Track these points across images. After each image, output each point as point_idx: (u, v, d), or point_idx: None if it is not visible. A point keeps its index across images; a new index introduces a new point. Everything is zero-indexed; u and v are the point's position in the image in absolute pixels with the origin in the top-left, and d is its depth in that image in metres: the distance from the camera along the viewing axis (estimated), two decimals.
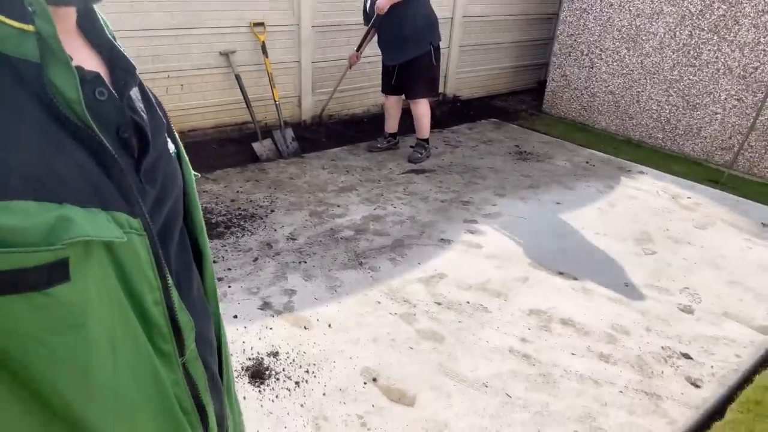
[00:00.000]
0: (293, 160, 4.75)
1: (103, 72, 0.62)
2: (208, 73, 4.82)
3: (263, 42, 4.98)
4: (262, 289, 2.94)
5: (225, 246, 3.32)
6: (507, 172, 4.78)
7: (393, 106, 5.05)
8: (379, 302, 2.91)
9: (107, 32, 0.65)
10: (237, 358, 2.44)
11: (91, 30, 0.63)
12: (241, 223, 3.61)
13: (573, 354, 2.64)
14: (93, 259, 0.52)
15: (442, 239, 3.59)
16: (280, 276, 3.07)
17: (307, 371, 2.42)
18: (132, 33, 4.26)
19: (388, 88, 4.95)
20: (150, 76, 4.48)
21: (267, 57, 5.00)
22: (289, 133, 4.99)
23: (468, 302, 2.96)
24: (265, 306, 2.81)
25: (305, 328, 2.68)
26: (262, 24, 4.98)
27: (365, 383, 2.38)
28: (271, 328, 2.65)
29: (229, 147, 4.92)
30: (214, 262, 3.14)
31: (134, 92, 0.65)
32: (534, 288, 3.14)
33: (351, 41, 5.42)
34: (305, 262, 3.22)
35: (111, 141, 0.57)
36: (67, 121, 0.52)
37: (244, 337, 2.58)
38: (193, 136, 4.93)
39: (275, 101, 5.03)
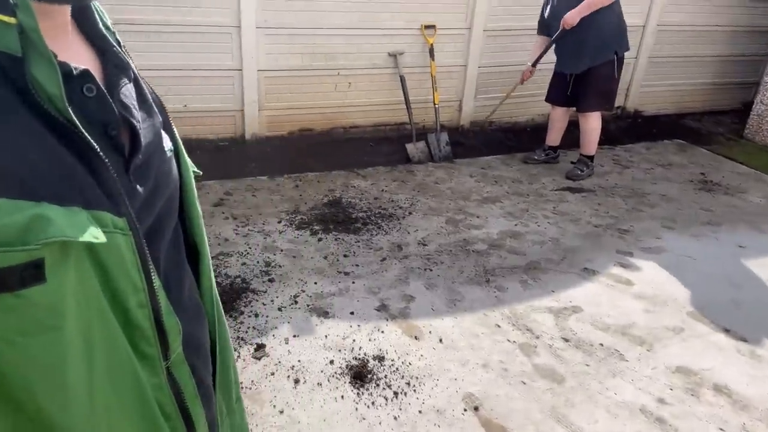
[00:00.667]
0: (443, 165, 4.69)
1: (96, 67, 0.61)
2: (375, 72, 4.97)
3: (432, 45, 4.99)
4: (382, 290, 2.93)
5: (358, 242, 3.38)
6: (683, 203, 4.17)
7: (559, 117, 4.72)
8: (498, 326, 2.72)
9: (101, 26, 0.63)
10: (344, 355, 2.46)
11: (86, 24, 0.62)
12: (379, 221, 3.65)
13: (721, 429, 2.19)
14: (71, 260, 0.50)
15: (585, 268, 3.25)
16: (402, 280, 3.04)
17: (408, 383, 2.34)
18: (309, 31, 4.55)
19: (557, 98, 4.63)
20: (321, 73, 4.75)
21: (433, 60, 5.00)
22: (444, 137, 4.93)
23: (601, 344, 2.63)
24: (382, 308, 2.80)
25: (416, 338, 2.61)
26: (433, 26, 4.99)
27: (465, 410, 2.23)
28: (382, 332, 2.63)
29: (384, 146, 5.03)
30: (345, 256, 3.22)
31: (127, 89, 0.63)
32: (688, 342, 2.68)
33: (522, 46, 5.17)
34: (431, 270, 3.14)
35: (98, 138, 0.55)
36: (49, 117, 0.50)
37: (355, 336, 2.59)
38: (353, 133, 5.13)
39: (435, 104, 5.01)
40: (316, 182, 4.16)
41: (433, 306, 2.84)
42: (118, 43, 0.65)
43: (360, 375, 2.37)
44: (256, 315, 2.67)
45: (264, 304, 2.75)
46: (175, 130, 0.74)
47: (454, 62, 5.24)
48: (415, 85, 5.04)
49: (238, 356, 2.40)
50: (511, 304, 2.89)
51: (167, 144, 0.70)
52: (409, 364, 2.45)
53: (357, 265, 3.14)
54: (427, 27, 4.98)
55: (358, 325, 2.66)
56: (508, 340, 2.62)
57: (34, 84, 0.49)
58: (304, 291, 2.87)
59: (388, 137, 5.19)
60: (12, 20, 0.48)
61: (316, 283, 2.95)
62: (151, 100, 0.69)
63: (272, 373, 2.33)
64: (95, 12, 0.63)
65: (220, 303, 0.86)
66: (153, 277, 0.61)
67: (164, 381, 0.64)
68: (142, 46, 4.09)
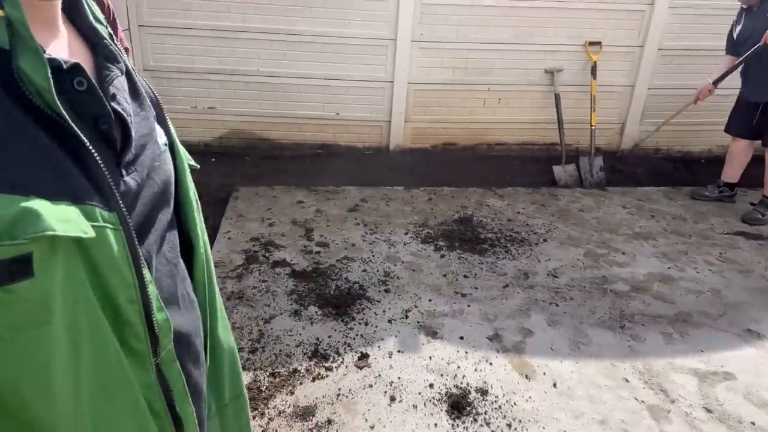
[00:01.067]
0: (592, 192, 4.31)
1: (88, 61, 0.60)
2: (528, 89, 4.76)
3: (595, 62, 4.64)
4: (499, 319, 2.76)
5: (482, 264, 3.23)
6: None
7: (741, 151, 4.08)
8: (626, 380, 2.39)
9: (92, 19, 0.62)
10: (445, 381, 2.35)
11: (77, 17, 0.61)
12: (508, 244, 3.46)
13: None
14: (59, 255, 0.50)
15: (749, 330, 2.74)
16: (523, 311, 2.82)
17: (510, 425, 2.16)
18: (463, 45, 4.50)
19: (740, 129, 4.02)
20: (471, 88, 4.67)
21: (595, 78, 4.64)
22: (598, 161, 4.54)
23: (753, 423, 2.18)
24: (495, 338, 2.62)
25: (527, 377, 2.40)
26: (598, 43, 4.64)
27: None
28: (491, 363, 2.46)
29: (530, 166, 4.78)
30: (465, 276, 3.09)
31: (119, 81, 0.62)
32: None
33: (702, 68, 4.57)
34: (557, 305, 2.88)
35: (88, 132, 0.55)
36: (38, 111, 0.50)
37: (461, 362, 2.46)
38: (498, 150, 4.96)
39: (591, 126, 4.65)
40: (450, 197, 4.09)
41: (552, 345, 2.59)
42: (110, 36, 0.65)
43: (458, 405, 2.24)
44: (366, 323, 2.67)
45: (376, 314, 2.74)
46: (169, 123, 0.73)
47: (619, 82, 4.82)
48: (570, 105, 4.72)
49: (341, 362, 2.41)
50: (647, 357, 2.53)
51: (161, 138, 0.69)
52: (514, 404, 2.26)
53: (476, 288, 3.00)
54: (592, 43, 4.64)
55: (466, 352, 2.52)
56: (636, 399, 2.29)
57: (22, 77, 0.49)
58: (417, 306, 2.81)
59: (535, 157, 4.93)
60: (0, 13, 0.48)
61: (430, 300, 2.87)
62: (145, 94, 0.68)
63: (370, 386, 2.31)
64: (86, 5, 0.62)
65: (219, 299, 0.82)
66: (144, 272, 0.59)
67: (154, 378, 0.63)
68: (300, 56, 4.38)
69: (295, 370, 2.35)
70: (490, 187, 4.30)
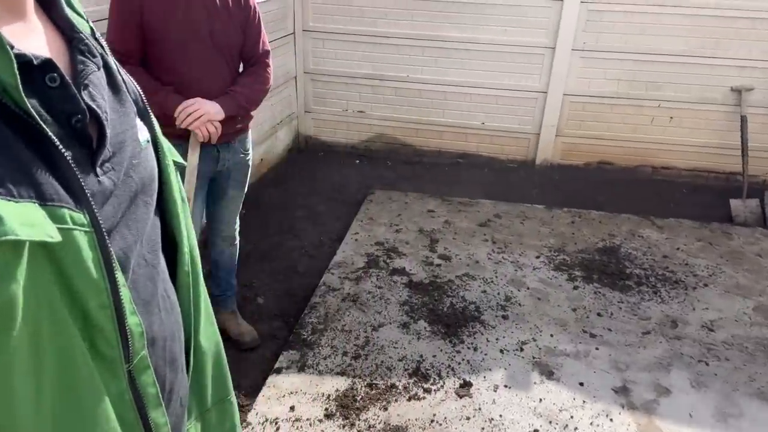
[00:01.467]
0: None
1: (62, 55, 0.57)
2: (708, 109, 4.14)
3: None
4: (630, 370, 2.40)
5: (621, 302, 2.85)
6: None
7: None
8: None
9: (67, 11, 0.59)
10: (552, 430, 2.10)
11: (52, 9, 0.58)
12: (658, 285, 3.02)
13: None
14: (23, 259, 0.48)
15: None
16: (663, 365, 2.43)
17: None
18: (632, 56, 4.06)
19: None
20: (638, 103, 4.20)
21: None
22: None
23: None
24: (623, 390, 2.29)
25: None
26: None
27: None
28: (611, 419, 2.15)
29: (700, 196, 4.15)
30: (599, 314, 2.75)
31: (95, 76, 0.59)
32: None
33: None
34: (707, 364, 2.43)
35: (60, 130, 0.52)
36: (4, 108, 0.48)
37: (575, 412, 2.18)
38: (663, 175, 4.39)
39: None
40: (597, 222, 3.70)
41: (693, 411, 2.18)
42: (92, 30, 0.61)
43: None
44: (476, 349, 2.50)
45: (487, 341, 2.55)
46: (153, 118, 0.69)
47: None
48: (759, 129, 4.02)
49: (442, 386, 2.28)
50: None
51: (143, 134, 0.65)
52: None
53: (609, 330, 2.65)
54: None
55: (584, 401, 2.23)
56: None
57: None
58: (535, 340, 2.57)
59: (708, 186, 4.27)
60: None
61: (552, 335, 2.60)
62: (125, 89, 0.65)
63: (468, 418, 2.14)
64: None
65: (205, 298, 0.78)
66: (117, 276, 0.57)
67: (125, 386, 0.61)
68: (450, 63, 4.29)
69: (393, 386, 2.27)
70: (648, 215, 3.81)
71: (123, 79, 0.66)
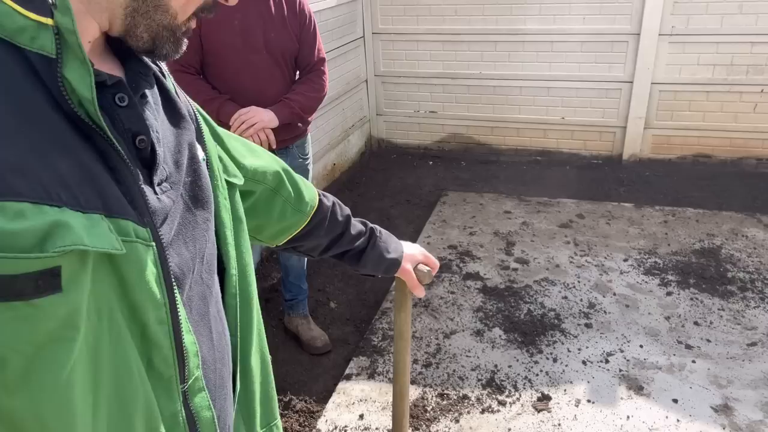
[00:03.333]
0: None
1: (119, 73, 0.58)
2: None
3: None
4: (733, 386, 2.15)
5: (722, 310, 2.57)
6: None
7: None
8: None
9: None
10: None
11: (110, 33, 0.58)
12: (765, 290, 2.69)
13: None
14: (88, 269, 0.49)
15: None
16: None
17: None
18: (730, 38, 3.68)
19: None
20: (737, 89, 3.81)
21: None
22: None
23: None
24: (724, 410, 2.05)
25: None
26: None
27: None
28: None
29: None
30: (696, 323, 2.50)
31: (150, 95, 0.60)
32: None
33: None
34: None
35: (126, 147, 0.54)
36: (78, 120, 0.50)
37: (666, 430, 1.97)
38: None
39: None
40: (693, 221, 3.38)
41: None
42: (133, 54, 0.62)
43: None
44: (555, 360, 2.34)
45: (569, 351, 2.39)
46: (206, 139, 0.70)
47: None
48: None
49: (518, 399, 2.15)
50: None
51: (200, 154, 0.66)
52: None
53: (708, 341, 2.40)
54: None
55: (678, 420, 2.02)
56: None
57: (66, 85, 0.49)
58: (622, 351, 2.37)
59: None
60: (49, 21, 0.47)
61: (642, 346, 2.39)
62: (183, 109, 0.65)
63: None
64: None
65: (259, 321, 0.77)
66: (175, 292, 0.58)
67: (180, 408, 0.60)
68: (525, 56, 4.10)
69: (465, 396, 2.17)
70: (754, 213, 3.43)
71: (179, 97, 0.67)
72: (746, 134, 3.92)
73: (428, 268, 1.12)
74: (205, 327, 0.65)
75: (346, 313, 2.78)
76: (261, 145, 2.00)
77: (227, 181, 0.74)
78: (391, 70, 4.49)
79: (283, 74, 2.07)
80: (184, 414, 0.60)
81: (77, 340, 0.49)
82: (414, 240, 3.33)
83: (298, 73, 2.16)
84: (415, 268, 1.11)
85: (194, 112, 0.70)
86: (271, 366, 0.83)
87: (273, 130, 2.00)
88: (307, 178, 2.33)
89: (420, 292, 1.12)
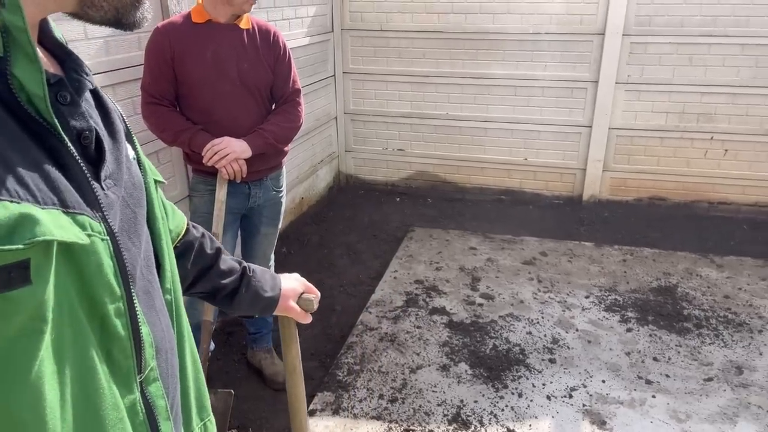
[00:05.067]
0: None
1: (59, 74, 0.58)
2: (765, 141, 3.92)
3: None
4: (692, 420, 2.19)
5: (680, 346, 2.65)
6: None
7: None
8: None
9: (57, 34, 0.61)
10: None
11: (44, 35, 0.59)
12: (720, 327, 2.79)
13: None
14: (51, 262, 0.49)
15: None
16: (728, 416, 2.21)
17: None
18: (682, 87, 3.91)
19: None
20: (689, 136, 4.03)
21: None
22: None
23: None
24: None
25: None
26: None
27: None
28: None
29: (763, 233, 3.88)
30: (655, 359, 2.55)
31: (89, 97, 0.61)
32: None
33: None
34: None
35: (73, 145, 0.54)
36: (29, 119, 0.50)
37: None
38: (721, 210, 4.15)
39: None
40: (651, 261, 3.50)
41: None
42: (70, 53, 0.63)
43: None
44: (520, 395, 2.35)
45: (533, 386, 2.40)
46: (135, 138, 0.71)
47: None
48: None
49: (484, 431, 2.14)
50: None
51: (130, 152, 0.68)
52: None
53: (667, 376, 2.45)
54: None
55: None
56: None
57: (15, 84, 0.49)
58: (585, 386, 2.39)
59: None
60: None
61: (604, 381, 2.42)
62: (112, 110, 0.66)
63: None
64: (50, 23, 0.61)
65: (186, 319, 0.77)
66: (131, 284, 0.59)
67: (138, 397, 0.61)
68: (490, 99, 4.26)
69: None
70: (707, 253, 3.58)
71: (108, 99, 0.68)
72: (698, 179, 4.12)
73: (313, 296, 1.10)
74: (156, 318, 0.66)
75: (310, 348, 2.73)
76: (233, 176, 1.99)
77: (154, 180, 0.75)
78: (361, 108, 4.58)
79: (258, 105, 2.08)
80: (141, 403, 0.61)
81: (45, 332, 0.49)
82: (381, 274, 3.34)
83: (273, 104, 2.18)
84: (299, 299, 1.09)
85: (118, 109, 0.71)
86: (200, 365, 0.84)
87: (247, 161, 2.00)
88: (281, 211, 2.33)
89: (307, 320, 1.10)
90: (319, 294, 1.13)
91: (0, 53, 0.48)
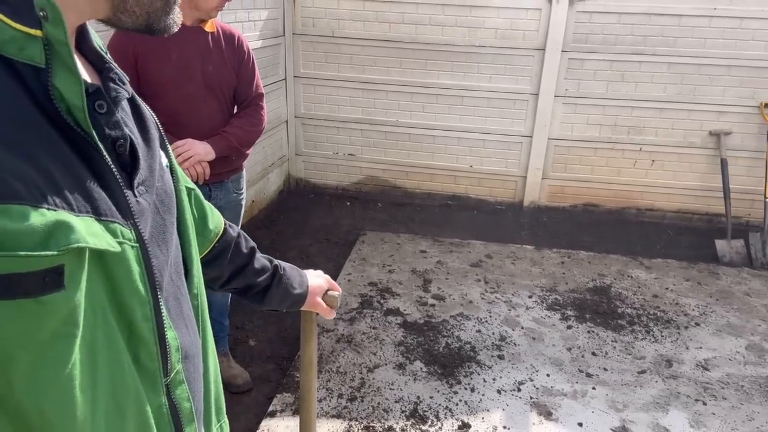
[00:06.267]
0: (764, 274, 3.67)
1: (97, 83, 0.60)
2: (688, 152, 4.27)
3: None
4: (628, 410, 2.38)
5: (615, 342, 2.86)
6: None
7: None
8: None
9: (95, 44, 0.62)
10: None
11: (83, 41, 0.61)
12: (650, 324, 3.03)
13: None
14: (84, 268, 0.51)
15: None
16: (660, 405, 2.41)
17: None
18: (614, 102, 4.21)
19: None
20: (620, 147, 4.33)
21: None
22: None
23: None
24: (622, 431, 2.26)
25: None
26: None
27: None
28: None
29: (686, 237, 4.23)
30: (593, 354, 2.75)
31: (125, 105, 0.63)
32: None
33: None
34: (704, 404, 2.42)
35: (108, 153, 0.56)
36: (67, 128, 0.52)
37: None
38: (648, 216, 4.48)
39: (766, 198, 4.01)
40: (586, 263, 3.74)
41: None
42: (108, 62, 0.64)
43: None
44: (473, 389, 2.46)
45: (484, 381, 2.53)
46: (168, 146, 0.74)
47: None
48: (740, 172, 4.15)
49: (440, 428, 2.24)
50: None
51: (163, 160, 0.70)
52: None
53: (605, 369, 2.64)
54: None
55: None
56: None
57: (56, 95, 0.50)
58: (532, 380, 2.54)
59: (693, 228, 4.37)
60: (37, 33, 0.49)
61: (549, 375, 2.58)
62: (148, 117, 0.68)
63: None
64: (90, 32, 0.62)
65: (208, 321, 0.80)
66: (158, 290, 0.61)
67: (164, 400, 0.63)
68: (438, 108, 4.41)
69: (390, 428, 2.22)
70: (636, 256, 3.86)
71: (144, 107, 0.70)
72: (628, 187, 4.44)
73: (337, 293, 1.16)
74: (182, 324, 0.68)
75: (266, 351, 2.74)
76: (197, 178, 1.99)
77: (186, 187, 0.77)
78: (312, 112, 4.61)
79: (221, 108, 2.09)
80: (167, 405, 0.63)
81: (78, 337, 0.51)
82: (335, 277, 3.38)
83: (236, 108, 2.19)
84: (324, 296, 1.14)
85: (154, 118, 0.72)
86: (218, 365, 0.86)
87: (209, 163, 2.01)
88: (240, 213, 2.34)
89: (331, 315, 1.16)
90: (340, 290, 1.17)
91: (42, 64, 0.50)
